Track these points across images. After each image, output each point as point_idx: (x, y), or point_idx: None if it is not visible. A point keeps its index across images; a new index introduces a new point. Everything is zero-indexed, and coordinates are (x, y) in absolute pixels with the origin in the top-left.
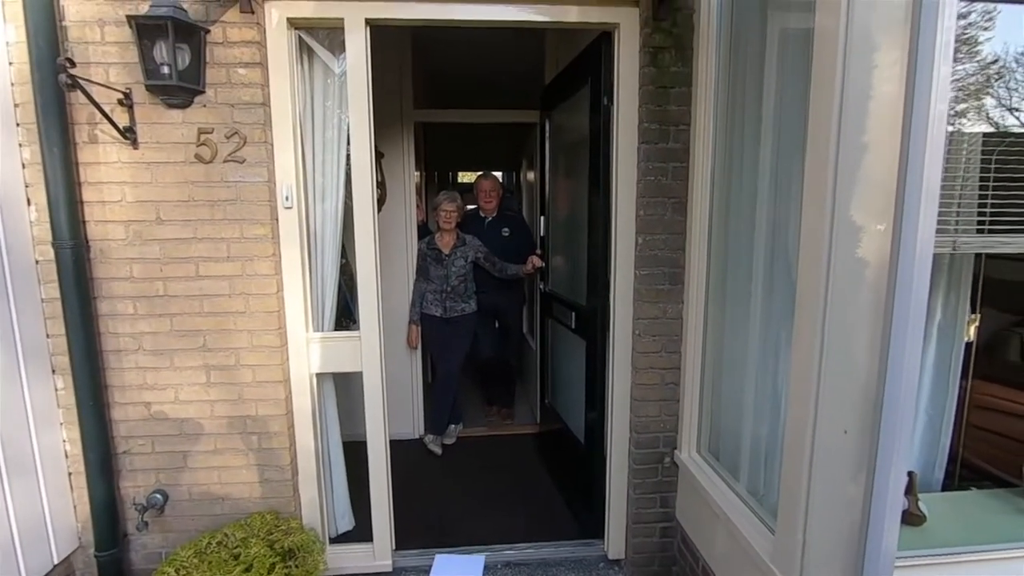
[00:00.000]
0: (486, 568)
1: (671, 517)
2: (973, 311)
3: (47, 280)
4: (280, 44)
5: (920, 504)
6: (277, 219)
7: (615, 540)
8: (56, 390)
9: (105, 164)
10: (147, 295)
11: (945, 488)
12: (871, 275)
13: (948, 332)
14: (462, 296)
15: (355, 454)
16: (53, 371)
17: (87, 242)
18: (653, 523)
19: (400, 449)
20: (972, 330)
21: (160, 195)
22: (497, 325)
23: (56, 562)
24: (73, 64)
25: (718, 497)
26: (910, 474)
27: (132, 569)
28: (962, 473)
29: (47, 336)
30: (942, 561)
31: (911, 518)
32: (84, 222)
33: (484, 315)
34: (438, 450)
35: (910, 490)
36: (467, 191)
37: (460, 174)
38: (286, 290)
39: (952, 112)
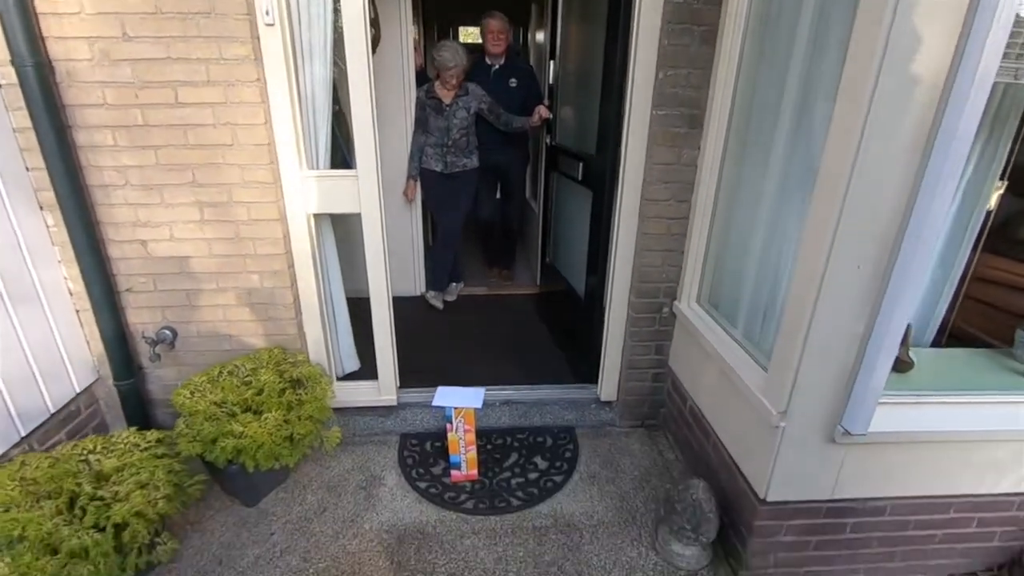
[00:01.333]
0: (485, 405)
1: (664, 364)
2: (1002, 178)
3: (14, 107)
4: None
5: (910, 352)
6: (258, 38)
7: (608, 384)
8: (48, 227)
9: None
10: (125, 124)
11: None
12: (921, 96)
13: (974, 193)
14: (464, 151)
15: (359, 310)
16: (41, 207)
17: (50, 61)
18: (646, 369)
19: (402, 304)
20: (995, 198)
21: (122, 6)
22: (499, 186)
23: (78, 390)
24: None
25: (714, 341)
26: (906, 326)
27: (151, 398)
28: (949, 342)
29: (27, 169)
30: (923, 401)
31: (900, 364)
32: (43, 38)
33: (486, 173)
34: (439, 305)
35: (903, 339)
36: (472, 51)
37: (461, 30)
38: (275, 121)
39: None
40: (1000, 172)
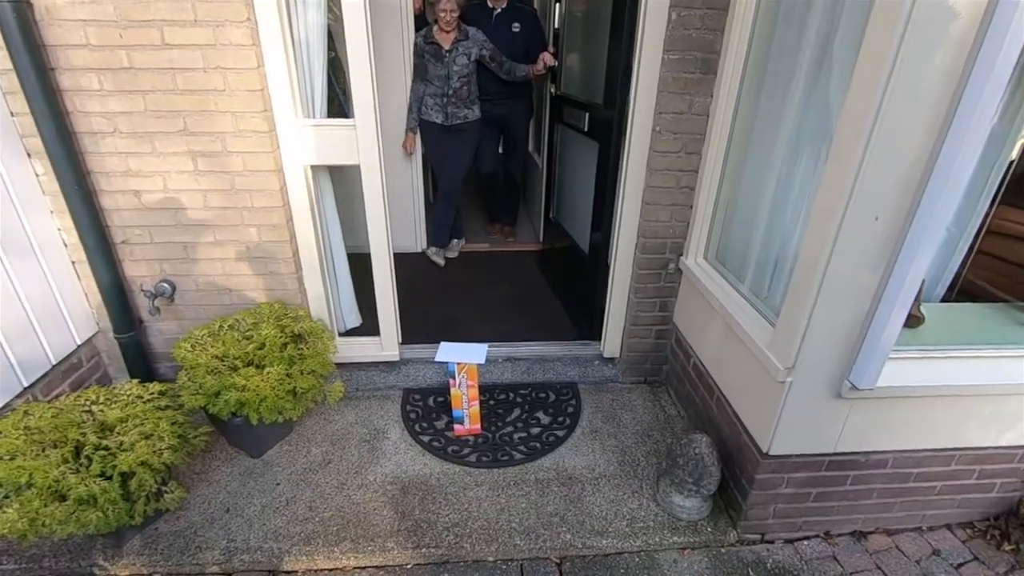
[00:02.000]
0: (488, 361)
1: (668, 321)
2: None
3: None
4: None
5: (921, 308)
6: None
7: (611, 341)
8: (37, 175)
9: None
10: (111, 67)
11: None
12: (958, 29)
13: (997, 144)
14: (465, 101)
15: (359, 266)
16: (29, 155)
17: None
18: (649, 326)
19: (403, 261)
20: (1018, 148)
21: None
22: (502, 138)
23: (79, 342)
24: None
25: (721, 297)
26: None
27: (153, 351)
28: (959, 298)
29: (12, 115)
30: (933, 356)
31: (911, 319)
32: None
33: (488, 126)
34: (441, 261)
35: (916, 294)
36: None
37: None
38: (268, 65)
39: None
40: None
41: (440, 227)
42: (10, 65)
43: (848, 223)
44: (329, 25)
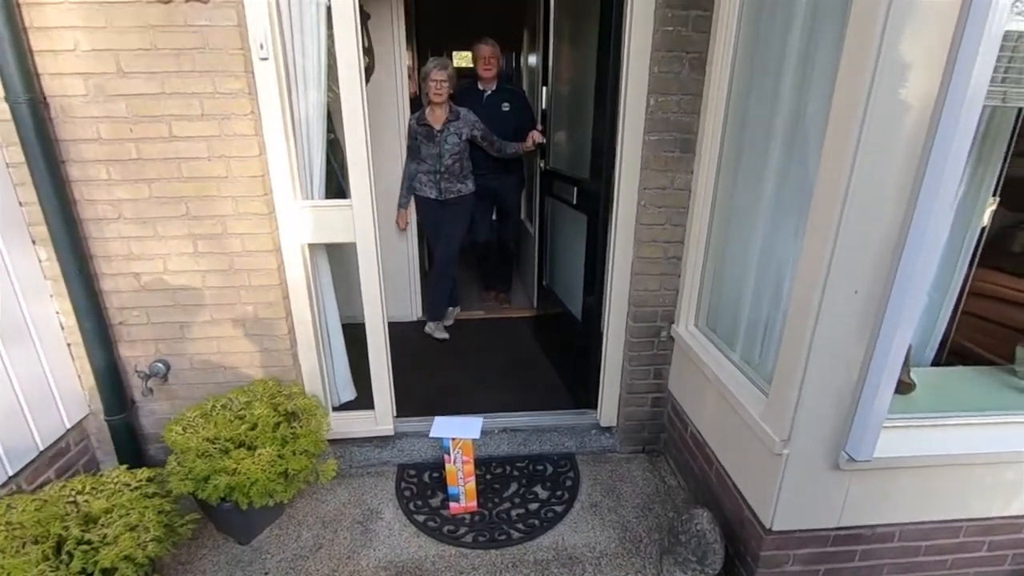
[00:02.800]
0: (484, 433)
1: (663, 388)
2: (994, 194)
3: (9, 142)
4: None
5: (911, 373)
6: (252, 72)
7: (608, 409)
8: (40, 261)
9: (51, 4)
10: (120, 159)
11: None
12: (912, 120)
13: (967, 212)
14: (458, 176)
15: (354, 335)
16: (34, 242)
17: (44, 98)
18: (645, 394)
19: (398, 330)
20: (987, 215)
21: (118, 42)
22: (495, 209)
23: (68, 426)
24: None
25: (713, 365)
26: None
27: (143, 433)
28: (949, 359)
29: (20, 204)
30: (927, 424)
31: (901, 386)
32: (38, 75)
33: (482, 199)
34: (442, 336)
35: (904, 361)
36: (465, 76)
37: (455, 55)
38: (269, 153)
39: None
40: (993, 189)
41: (437, 302)
42: (22, 159)
43: (829, 297)
44: (329, 106)
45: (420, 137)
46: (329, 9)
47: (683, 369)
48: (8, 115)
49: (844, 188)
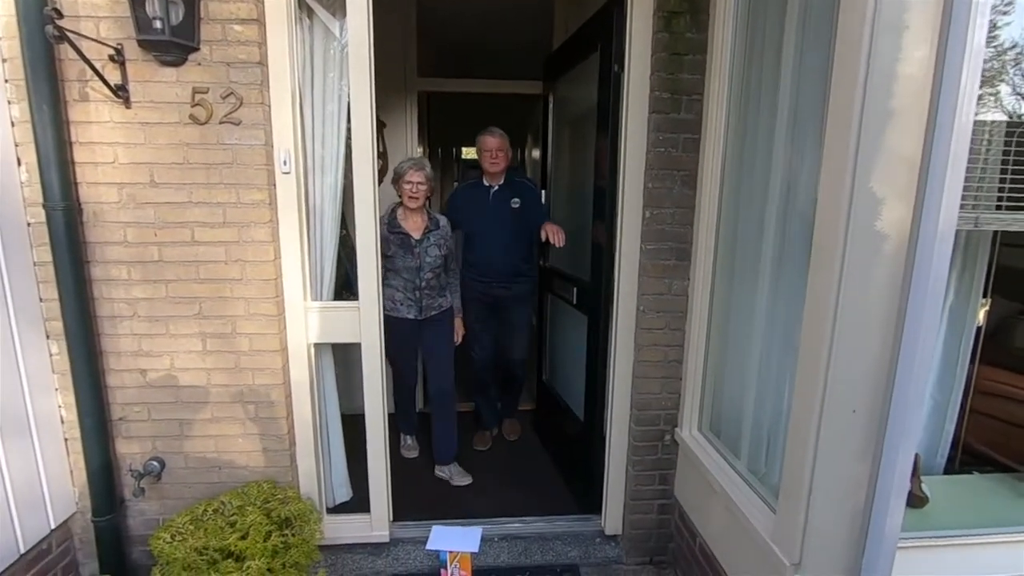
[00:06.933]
0: (483, 540)
1: (669, 495)
2: (984, 295)
3: (39, 243)
4: (278, 1)
5: (923, 486)
6: (275, 184)
7: (612, 516)
8: (51, 355)
9: (97, 123)
10: (142, 260)
11: (946, 473)
12: (890, 249)
13: (959, 315)
14: (436, 290)
15: (353, 426)
16: (47, 336)
17: (79, 204)
18: (651, 500)
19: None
20: (982, 315)
21: (154, 157)
22: (499, 324)
23: (53, 526)
24: (60, 15)
25: (718, 475)
26: (915, 456)
27: (129, 535)
28: (963, 459)
29: (40, 300)
30: (944, 544)
31: (914, 500)
32: (76, 183)
33: (482, 311)
34: (465, 480)
35: (914, 472)
36: (473, 167)
37: (464, 150)
38: (284, 258)
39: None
40: (982, 291)
41: (448, 443)
42: (50, 259)
43: (828, 415)
44: (343, 207)
45: (393, 246)
46: (349, 135)
47: (688, 475)
48: (42, 218)
49: (831, 319)
